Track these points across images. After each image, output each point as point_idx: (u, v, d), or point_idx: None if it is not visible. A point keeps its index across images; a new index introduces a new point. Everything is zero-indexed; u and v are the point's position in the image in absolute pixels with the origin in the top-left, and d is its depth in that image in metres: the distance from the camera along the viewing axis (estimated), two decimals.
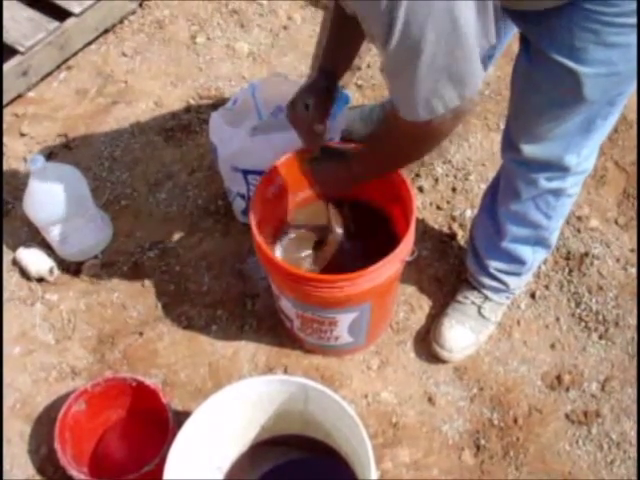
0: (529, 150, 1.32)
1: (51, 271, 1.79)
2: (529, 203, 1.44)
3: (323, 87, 1.35)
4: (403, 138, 1.18)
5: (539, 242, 1.54)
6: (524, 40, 1.21)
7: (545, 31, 1.13)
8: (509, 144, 1.37)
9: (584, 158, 1.34)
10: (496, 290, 1.64)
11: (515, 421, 1.58)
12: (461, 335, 1.63)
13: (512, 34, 1.46)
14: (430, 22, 0.91)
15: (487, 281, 1.63)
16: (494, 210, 1.54)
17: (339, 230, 1.52)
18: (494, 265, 1.59)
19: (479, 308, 1.65)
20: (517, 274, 1.61)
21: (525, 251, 1.56)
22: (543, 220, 1.48)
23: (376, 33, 0.95)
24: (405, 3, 0.88)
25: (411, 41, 0.93)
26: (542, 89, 1.21)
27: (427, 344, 1.68)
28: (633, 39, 1.10)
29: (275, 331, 1.71)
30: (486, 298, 1.65)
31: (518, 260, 1.57)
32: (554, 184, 1.38)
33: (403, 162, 1.35)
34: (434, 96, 1.02)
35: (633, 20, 1.07)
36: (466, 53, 0.98)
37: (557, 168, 1.34)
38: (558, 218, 1.51)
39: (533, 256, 1.57)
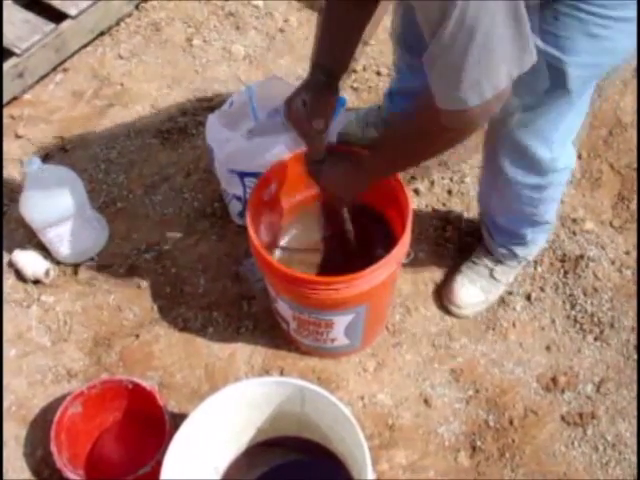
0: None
1: (47, 273, 1.79)
2: (512, 196, 1.48)
3: (321, 82, 1.31)
4: (430, 133, 1.15)
5: (534, 223, 1.58)
6: None
7: (530, 18, 1.10)
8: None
9: (558, 154, 1.36)
10: (506, 256, 1.69)
11: (511, 423, 1.58)
12: (472, 293, 1.70)
13: None
14: (486, 4, 0.91)
15: (497, 248, 1.68)
16: (486, 192, 1.59)
17: (350, 229, 1.50)
18: (499, 238, 1.66)
19: (491, 270, 1.71)
20: (522, 244, 1.66)
21: (522, 229, 1.60)
22: (530, 209, 1.52)
23: (431, 18, 0.95)
24: None
25: (467, 24, 0.92)
26: (526, 76, 1.15)
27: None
28: (616, 32, 1.13)
29: (271, 333, 1.71)
30: (498, 262, 1.70)
31: (517, 236, 1.63)
32: (532, 180, 1.41)
33: (424, 157, 1.32)
34: (485, 78, 1.00)
35: (616, 13, 1.10)
36: (521, 29, 0.97)
37: (530, 161, 1.36)
38: (547, 204, 1.53)
39: (532, 233, 1.62)
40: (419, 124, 1.18)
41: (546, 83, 1.21)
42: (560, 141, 1.35)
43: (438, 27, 0.94)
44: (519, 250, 1.67)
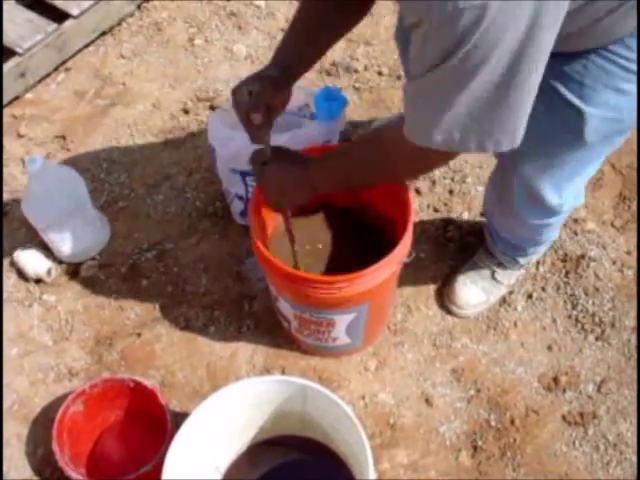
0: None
1: (49, 272, 1.79)
2: (516, 223, 1.49)
3: (272, 77, 1.23)
4: (390, 154, 1.11)
5: (537, 242, 1.59)
6: None
7: (557, 64, 1.07)
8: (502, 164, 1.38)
9: (565, 200, 1.34)
10: (508, 260, 1.69)
11: (512, 422, 1.58)
12: (473, 294, 1.70)
13: None
14: (497, 52, 0.83)
15: (498, 254, 1.69)
16: (490, 211, 1.57)
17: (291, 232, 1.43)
18: (500, 244, 1.66)
19: (493, 272, 1.71)
20: (524, 255, 1.66)
21: (524, 244, 1.61)
22: (534, 235, 1.53)
23: (436, 48, 0.86)
24: (483, 27, 0.80)
25: (470, 64, 0.85)
26: (542, 123, 1.11)
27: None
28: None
29: (273, 332, 1.71)
30: (500, 264, 1.70)
31: (520, 248, 1.63)
32: (538, 219, 1.41)
33: (374, 180, 1.26)
34: (458, 132, 0.94)
35: None
36: (519, 98, 0.90)
37: (539, 204, 1.34)
38: (551, 231, 1.54)
39: (534, 247, 1.62)
40: (384, 141, 1.14)
41: (564, 133, 1.17)
42: (571, 189, 1.33)
43: (442, 59, 0.86)
44: (520, 258, 1.67)
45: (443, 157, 1.05)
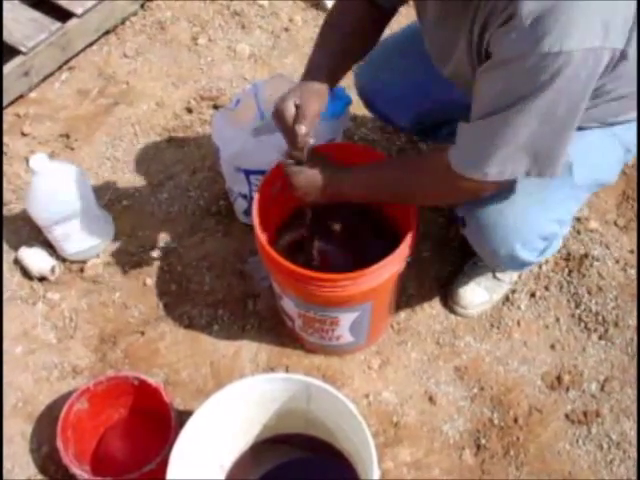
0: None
1: (53, 270, 1.79)
2: None
3: (315, 88, 1.30)
4: (422, 182, 1.24)
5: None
6: None
7: None
8: None
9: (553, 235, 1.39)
10: None
11: (515, 421, 1.59)
12: (477, 294, 1.71)
13: None
14: (569, 98, 1.01)
15: None
16: None
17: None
18: None
19: (493, 271, 1.71)
20: None
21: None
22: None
23: (520, 89, 1.02)
24: (568, 72, 0.97)
25: (545, 106, 1.01)
26: None
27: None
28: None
29: (276, 331, 1.71)
30: None
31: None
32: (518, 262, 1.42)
33: (401, 201, 1.37)
34: (516, 161, 1.10)
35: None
36: (568, 135, 1.08)
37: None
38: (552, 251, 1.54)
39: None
40: (424, 168, 1.25)
41: None
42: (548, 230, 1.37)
43: (516, 101, 1.01)
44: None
45: (480, 188, 1.18)
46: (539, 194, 1.27)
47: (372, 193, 1.35)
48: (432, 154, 1.23)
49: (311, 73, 1.32)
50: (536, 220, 1.31)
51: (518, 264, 1.41)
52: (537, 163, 1.10)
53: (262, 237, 1.36)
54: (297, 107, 1.25)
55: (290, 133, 1.27)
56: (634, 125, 1.31)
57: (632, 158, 1.44)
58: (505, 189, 1.24)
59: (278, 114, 1.27)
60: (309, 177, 1.33)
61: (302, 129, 1.24)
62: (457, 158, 1.15)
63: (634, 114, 1.27)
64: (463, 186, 1.17)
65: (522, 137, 1.05)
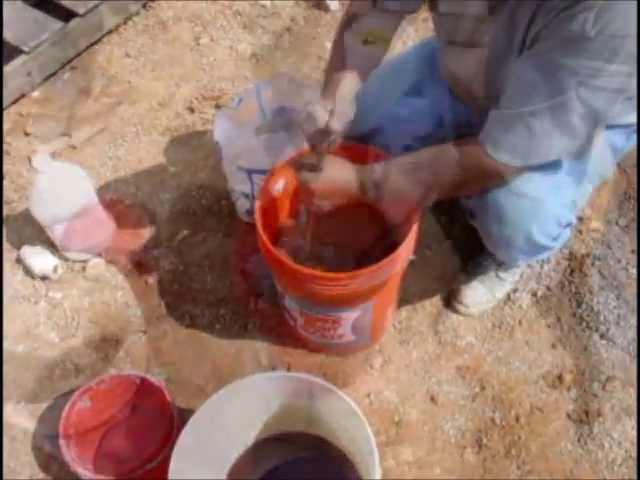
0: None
1: (55, 269, 1.80)
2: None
3: (346, 96, 1.32)
4: (464, 168, 1.24)
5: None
6: None
7: None
8: None
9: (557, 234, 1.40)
10: (509, 262, 1.70)
11: (517, 420, 1.59)
12: (479, 293, 1.72)
13: None
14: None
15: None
16: None
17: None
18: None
19: (496, 271, 1.71)
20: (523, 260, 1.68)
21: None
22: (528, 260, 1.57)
23: (599, 102, 1.10)
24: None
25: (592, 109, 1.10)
26: None
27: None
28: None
29: (278, 330, 1.71)
30: (502, 263, 1.71)
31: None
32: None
33: (436, 194, 1.35)
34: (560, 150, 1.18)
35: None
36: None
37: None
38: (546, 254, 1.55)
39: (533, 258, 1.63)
40: (461, 159, 1.25)
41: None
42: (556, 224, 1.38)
43: (552, 97, 1.09)
44: (521, 262, 1.70)
45: (508, 171, 1.22)
46: (552, 177, 1.27)
47: (408, 180, 1.30)
48: (464, 150, 1.23)
49: (338, 82, 1.33)
50: (551, 203, 1.31)
51: (533, 249, 1.41)
52: (572, 148, 1.17)
53: (264, 236, 1.36)
54: (331, 111, 1.28)
55: (317, 134, 1.29)
56: (622, 130, 1.36)
57: (621, 155, 1.50)
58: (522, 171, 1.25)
59: (309, 116, 1.29)
60: (327, 180, 1.31)
61: (335, 124, 1.27)
62: (497, 148, 1.19)
63: (629, 119, 1.31)
64: (495, 170, 1.21)
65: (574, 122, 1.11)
